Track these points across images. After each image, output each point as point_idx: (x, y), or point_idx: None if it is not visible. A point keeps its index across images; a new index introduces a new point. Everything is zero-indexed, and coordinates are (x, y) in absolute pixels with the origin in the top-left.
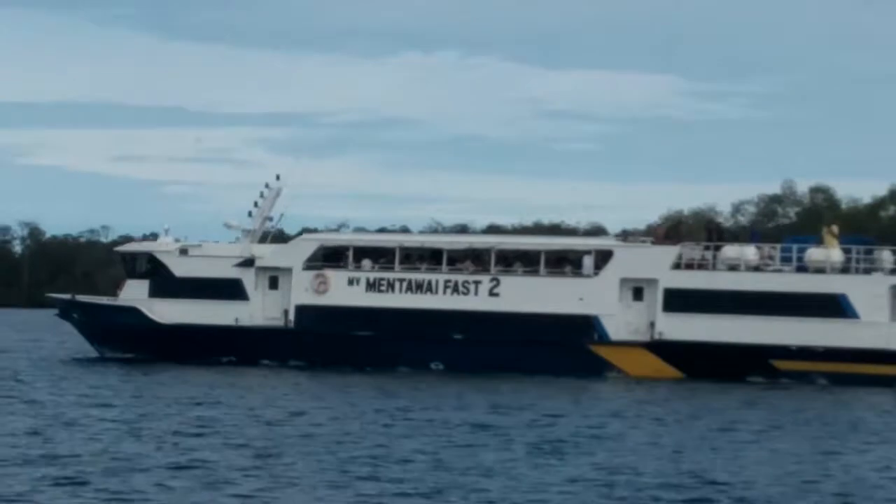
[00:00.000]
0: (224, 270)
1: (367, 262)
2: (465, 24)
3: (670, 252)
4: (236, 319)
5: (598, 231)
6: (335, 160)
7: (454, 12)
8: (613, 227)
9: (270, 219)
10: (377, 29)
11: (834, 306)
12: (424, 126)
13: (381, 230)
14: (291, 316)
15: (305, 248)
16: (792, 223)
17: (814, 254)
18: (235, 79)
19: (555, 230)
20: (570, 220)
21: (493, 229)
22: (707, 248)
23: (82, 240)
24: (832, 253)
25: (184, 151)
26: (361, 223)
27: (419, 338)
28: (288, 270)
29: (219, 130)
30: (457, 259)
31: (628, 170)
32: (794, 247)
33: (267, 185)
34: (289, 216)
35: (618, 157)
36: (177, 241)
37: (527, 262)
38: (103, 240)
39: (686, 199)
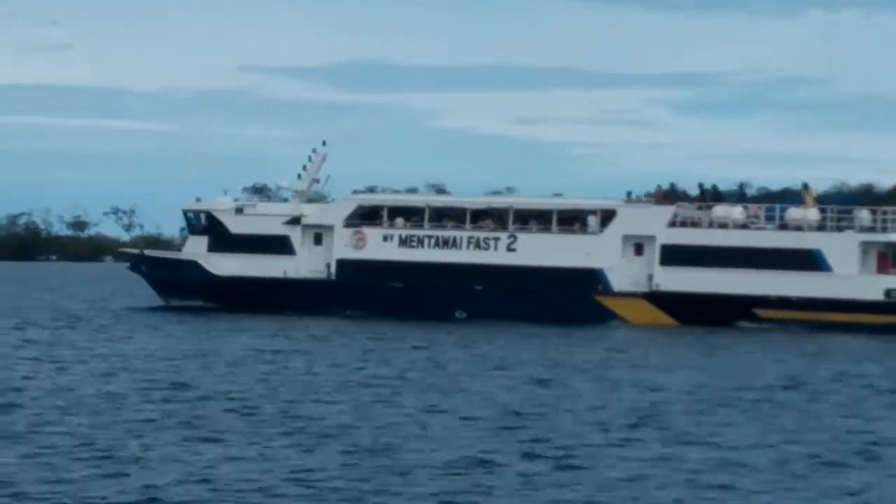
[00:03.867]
0: (274, 228)
1: (399, 220)
2: None
3: (667, 211)
4: (284, 272)
5: None
6: (738, 120)
7: None
8: None
9: (318, 181)
10: None
11: (810, 260)
12: (829, 85)
13: (742, 191)
14: (333, 269)
15: (345, 207)
16: None
17: (793, 213)
18: (638, 40)
19: None
20: None
21: None
22: (700, 207)
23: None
24: (809, 212)
25: (585, 113)
26: (763, 183)
27: (445, 288)
28: (330, 228)
29: (620, 91)
30: (479, 217)
31: None
32: (777, 207)
33: (314, 150)
34: (691, 176)
35: None
36: (235, 200)
37: (541, 220)
38: None
39: None
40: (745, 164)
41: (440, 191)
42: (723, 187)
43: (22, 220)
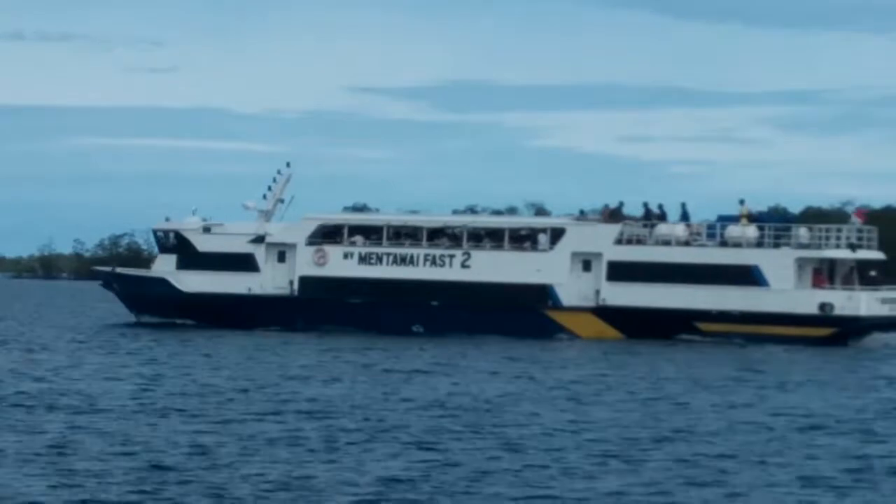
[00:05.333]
0: (239, 246)
1: (359, 239)
2: None
3: (613, 229)
4: (249, 289)
5: None
6: (843, 138)
7: None
8: None
9: (282, 201)
10: (887, 5)
11: (748, 276)
12: None
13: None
14: (296, 286)
15: (308, 226)
16: None
17: (732, 230)
18: (742, 57)
19: None
20: None
21: None
22: (645, 225)
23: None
24: (747, 230)
25: (689, 131)
26: (866, 201)
27: (403, 304)
28: (293, 246)
29: (725, 109)
30: (435, 236)
31: None
32: (718, 224)
33: (279, 171)
34: (796, 195)
35: None
36: (203, 220)
37: (493, 238)
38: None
39: None
40: (851, 181)
41: (539, 210)
42: (827, 205)
43: (124, 241)
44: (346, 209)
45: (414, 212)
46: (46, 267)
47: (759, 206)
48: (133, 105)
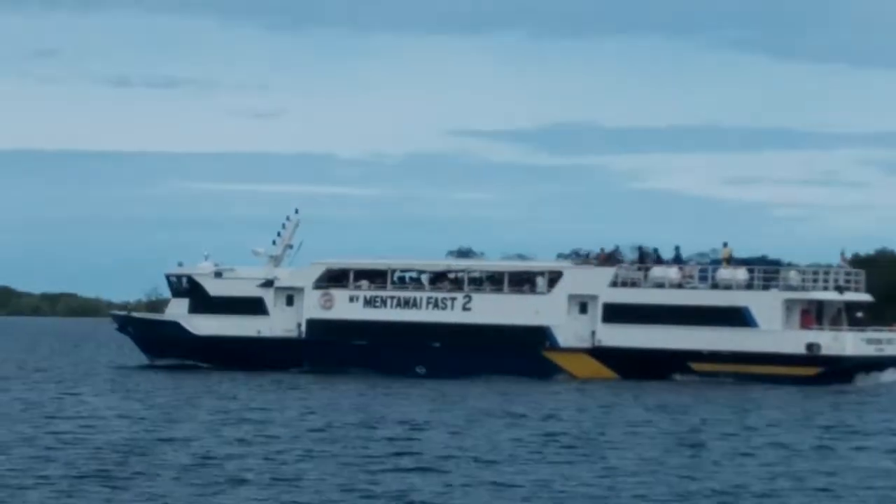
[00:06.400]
0: (249, 290)
1: (364, 283)
2: None
3: (609, 272)
4: (258, 331)
5: None
6: None
7: None
8: None
9: (291, 246)
10: None
11: (738, 317)
12: None
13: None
14: (303, 328)
15: (315, 271)
16: None
17: (722, 273)
18: (846, 98)
19: None
20: None
21: None
22: (639, 268)
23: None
24: (737, 273)
25: (792, 174)
26: None
27: (406, 346)
28: (301, 290)
29: (827, 152)
30: (436, 280)
31: None
32: (710, 267)
33: (288, 218)
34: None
35: None
36: (215, 265)
37: (493, 282)
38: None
39: None
40: None
41: (644, 253)
42: None
43: None
44: (449, 253)
45: (521, 256)
46: (153, 311)
47: (866, 248)
48: (237, 150)
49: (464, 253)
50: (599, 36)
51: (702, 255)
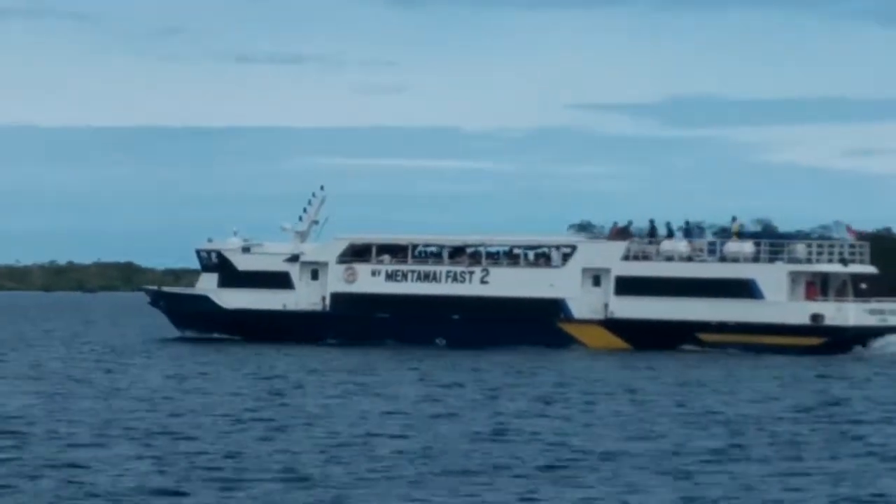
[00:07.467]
0: (276, 265)
1: (386, 257)
2: None
3: (621, 246)
4: (284, 305)
5: None
6: None
7: None
8: None
9: (316, 222)
10: None
11: (745, 289)
12: None
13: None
14: (328, 302)
15: (338, 246)
16: None
17: (730, 247)
18: None
19: None
20: None
21: None
22: (650, 242)
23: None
24: (745, 246)
25: None
26: None
27: (426, 318)
28: (325, 264)
29: None
30: (456, 254)
31: None
32: (718, 240)
33: (313, 194)
34: None
35: None
36: (244, 240)
37: (510, 256)
38: (835, 235)
39: None
40: None
41: (766, 226)
42: None
43: None
44: (570, 227)
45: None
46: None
47: None
48: (364, 125)
49: (584, 227)
50: (721, 9)
51: (824, 226)
